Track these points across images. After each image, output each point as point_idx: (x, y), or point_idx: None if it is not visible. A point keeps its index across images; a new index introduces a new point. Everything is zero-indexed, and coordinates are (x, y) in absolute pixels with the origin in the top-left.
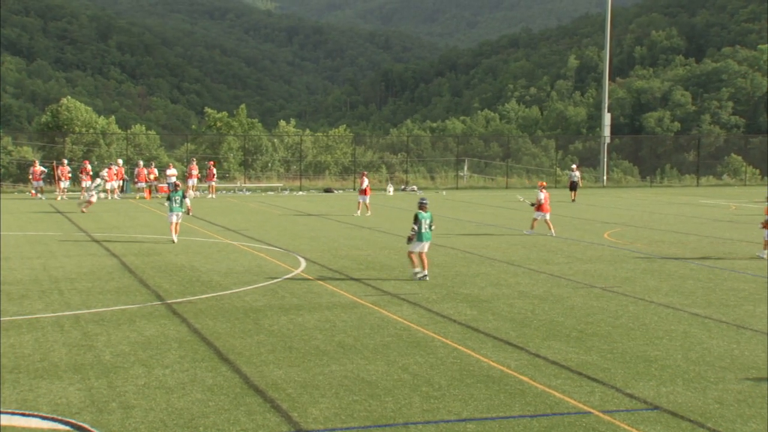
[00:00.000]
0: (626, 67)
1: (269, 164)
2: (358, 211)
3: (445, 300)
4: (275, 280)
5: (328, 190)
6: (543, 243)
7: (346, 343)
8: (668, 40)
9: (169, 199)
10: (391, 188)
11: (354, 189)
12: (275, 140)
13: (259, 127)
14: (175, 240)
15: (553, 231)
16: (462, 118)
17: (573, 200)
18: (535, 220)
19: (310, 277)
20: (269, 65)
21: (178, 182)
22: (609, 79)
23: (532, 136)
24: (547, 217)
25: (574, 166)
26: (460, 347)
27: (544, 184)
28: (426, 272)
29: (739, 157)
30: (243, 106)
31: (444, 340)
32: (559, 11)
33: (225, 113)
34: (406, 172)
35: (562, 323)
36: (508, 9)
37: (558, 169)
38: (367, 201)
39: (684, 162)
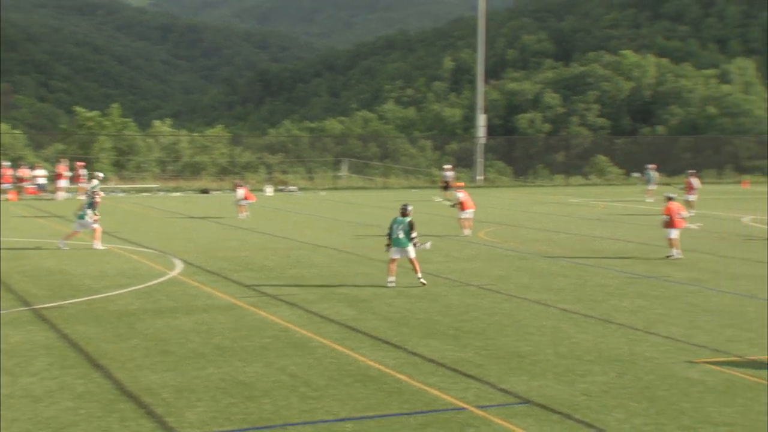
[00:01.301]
0: (499, 70)
1: (144, 165)
2: (242, 214)
3: (324, 300)
4: (150, 283)
5: (205, 191)
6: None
7: (224, 346)
8: (538, 44)
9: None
10: (270, 189)
11: (230, 190)
12: (150, 140)
13: (133, 127)
14: (100, 247)
15: (468, 231)
16: (340, 118)
17: (448, 200)
18: (461, 219)
19: (187, 280)
20: (143, 63)
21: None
22: (483, 81)
23: (410, 136)
24: (471, 214)
25: (447, 167)
26: (338, 347)
27: (462, 184)
28: (419, 275)
29: (605, 158)
30: (116, 104)
31: (322, 340)
32: (433, 13)
33: (97, 112)
34: (285, 172)
35: (439, 321)
36: (384, 10)
37: (435, 169)
38: (245, 203)
39: (554, 162)
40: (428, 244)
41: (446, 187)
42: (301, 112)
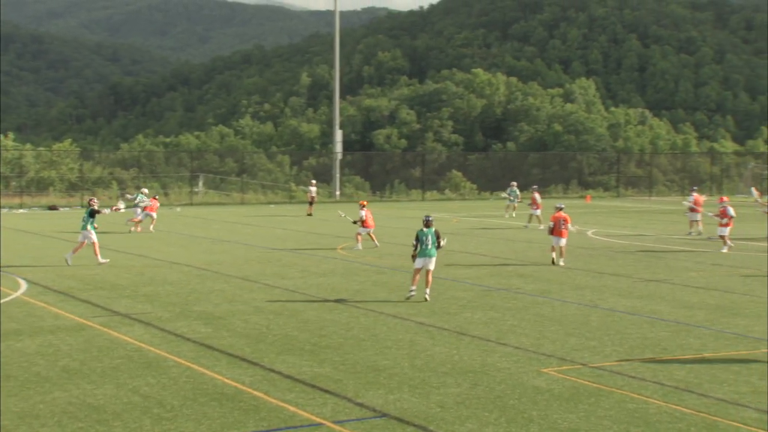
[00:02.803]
0: (356, 86)
1: None
2: (151, 226)
3: (179, 318)
4: None
5: (52, 208)
6: (278, 258)
7: (72, 368)
8: (393, 61)
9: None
10: (122, 205)
11: (81, 206)
12: None
13: None
14: (102, 261)
15: (377, 243)
16: (196, 133)
17: (310, 214)
18: (359, 234)
19: (32, 300)
20: None
21: (93, 199)
22: (340, 97)
23: (267, 151)
24: (371, 231)
25: (313, 182)
26: (193, 366)
27: (365, 203)
28: (427, 291)
29: (459, 173)
30: None
31: (177, 359)
32: (290, 29)
33: None
34: (138, 188)
35: (296, 337)
36: (239, 25)
37: (293, 184)
38: (145, 217)
39: (411, 177)
40: (444, 241)
41: (312, 202)
42: (156, 127)
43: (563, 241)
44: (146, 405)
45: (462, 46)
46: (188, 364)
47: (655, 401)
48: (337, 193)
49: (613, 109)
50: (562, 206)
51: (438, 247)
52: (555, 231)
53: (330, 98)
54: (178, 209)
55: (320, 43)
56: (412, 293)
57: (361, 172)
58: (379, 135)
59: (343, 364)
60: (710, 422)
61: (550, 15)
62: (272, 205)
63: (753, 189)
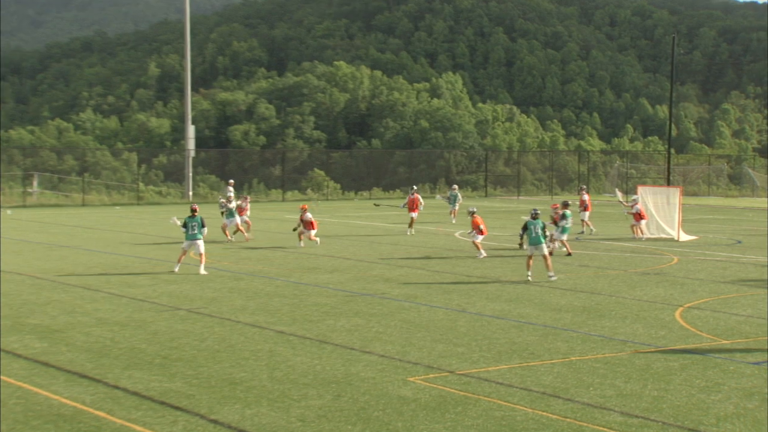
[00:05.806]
0: (210, 78)
1: None
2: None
3: (10, 333)
4: None
5: None
6: (124, 264)
7: None
8: (250, 52)
9: (185, 225)
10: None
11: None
12: None
13: None
14: (203, 271)
15: (302, 244)
16: (30, 127)
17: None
18: (311, 237)
19: None
20: None
21: (195, 206)
22: (192, 90)
23: (112, 148)
24: (313, 233)
25: (231, 181)
26: (26, 385)
27: (306, 207)
28: (549, 274)
29: (322, 172)
30: None
31: (6, 378)
32: (135, 15)
33: None
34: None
35: (144, 350)
36: (78, 9)
37: (141, 184)
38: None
39: (270, 176)
40: (557, 244)
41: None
42: None
43: (482, 237)
44: None
45: (323, 37)
46: (19, 383)
47: (523, 408)
48: (190, 193)
49: (480, 105)
50: (474, 209)
51: (546, 235)
52: (479, 230)
53: (181, 91)
54: (9, 212)
55: (170, 31)
56: (530, 278)
57: (216, 170)
58: (236, 131)
59: (196, 378)
60: (576, 427)
61: (415, 6)
62: (118, 207)
63: (617, 190)
